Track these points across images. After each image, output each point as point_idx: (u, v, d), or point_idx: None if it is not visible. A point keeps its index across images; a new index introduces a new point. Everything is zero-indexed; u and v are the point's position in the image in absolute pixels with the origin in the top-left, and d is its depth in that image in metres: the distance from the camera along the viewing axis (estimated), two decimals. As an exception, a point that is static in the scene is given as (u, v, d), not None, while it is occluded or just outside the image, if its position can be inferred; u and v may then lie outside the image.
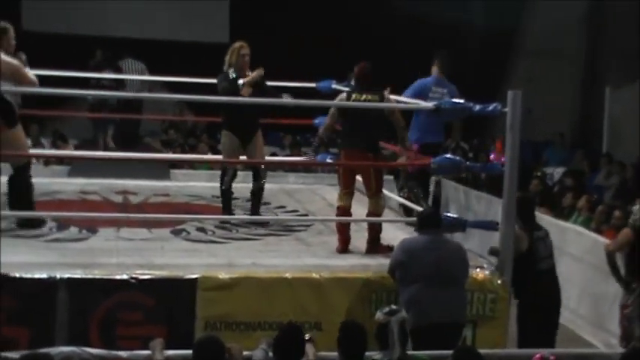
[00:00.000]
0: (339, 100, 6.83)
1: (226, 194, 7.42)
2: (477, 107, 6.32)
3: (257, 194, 7.46)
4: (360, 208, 7.89)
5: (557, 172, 12.53)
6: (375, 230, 6.63)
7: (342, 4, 15.41)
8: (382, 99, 6.71)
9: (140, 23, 15.13)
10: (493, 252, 6.30)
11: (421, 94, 7.75)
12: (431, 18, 15.57)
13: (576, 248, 8.66)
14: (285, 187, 9.27)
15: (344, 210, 6.71)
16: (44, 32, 14.35)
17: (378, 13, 15.54)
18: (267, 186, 7.99)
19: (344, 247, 6.62)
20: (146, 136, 13.53)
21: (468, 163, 6.85)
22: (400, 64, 14.72)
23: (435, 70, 8.12)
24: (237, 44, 7.31)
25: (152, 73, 11.61)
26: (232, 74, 7.18)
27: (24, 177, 6.74)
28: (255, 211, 7.43)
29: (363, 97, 6.72)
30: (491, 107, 6.28)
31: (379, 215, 6.76)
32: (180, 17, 15.38)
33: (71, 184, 8.86)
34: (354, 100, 6.68)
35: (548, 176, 12.56)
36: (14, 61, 6.42)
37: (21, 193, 6.69)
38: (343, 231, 6.65)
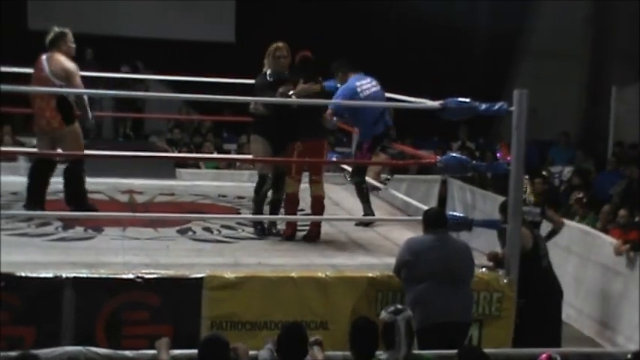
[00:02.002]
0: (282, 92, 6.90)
1: (260, 203, 7.02)
2: (483, 106, 6.30)
3: (275, 205, 7.08)
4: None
5: (567, 171, 12.49)
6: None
7: (349, 4, 15.40)
8: (323, 88, 7.06)
9: (147, 22, 15.16)
10: (493, 258, 6.28)
11: (353, 97, 7.46)
12: (437, 19, 15.56)
13: (582, 247, 8.65)
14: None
15: (294, 196, 6.92)
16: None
17: (384, 14, 15.55)
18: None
19: (293, 233, 6.90)
20: (152, 135, 13.55)
21: (474, 162, 6.83)
22: (406, 64, 14.77)
23: (341, 76, 7.85)
24: (272, 46, 7.03)
25: (158, 72, 11.62)
26: (269, 77, 6.94)
27: (78, 170, 7.13)
28: (270, 223, 7.04)
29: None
30: (497, 106, 6.27)
31: (323, 198, 7.02)
32: (187, 16, 15.39)
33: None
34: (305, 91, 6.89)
35: (556, 175, 12.54)
36: (69, 65, 6.90)
37: (75, 185, 7.11)
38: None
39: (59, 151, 7.02)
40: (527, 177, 7.30)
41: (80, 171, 7.16)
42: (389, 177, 8.93)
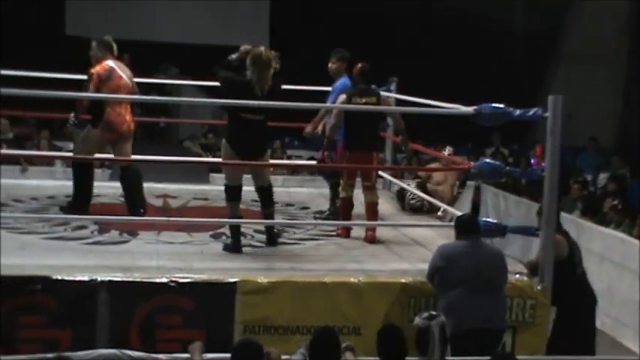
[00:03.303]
0: (341, 102, 7.26)
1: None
2: (518, 112, 6.27)
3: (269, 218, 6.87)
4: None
5: (603, 177, 12.38)
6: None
7: (385, 9, 15.38)
8: (379, 100, 7.28)
9: (181, 28, 15.26)
10: (531, 267, 6.25)
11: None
12: (472, 23, 15.50)
13: (618, 255, 8.57)
14: (324, 191, 9.26)
15: (349, 200, 7.22)
16: (87, 37, 14.53)
17: (418, 17, 15.52)
18: (306, 190, 8.04)
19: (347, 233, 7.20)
20: (186, 140, 13.63)
21: (507, 168, 6.80)
22: (440, 69, 14.73)
23: (339, 67, 7.92)
24: (259, 50, 6.64)
25: (191, 77, 11.71)
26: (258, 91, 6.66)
27: (133, 171, 7.43)
28: (272, 240, 6.83)
29: (364, 100, 7.21)
30: (531, 112, 6.23)
31: (377, 204, 7.32)
32: (221, 21, 15.47)
33: (112, 188, 8.93)
34: (354, 103, 7.19)
35: (590, 182, 12.43)
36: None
37: (133, 184, 7.44)
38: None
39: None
40: None
41: (135, 170, 7.53)
42: (460, 190, 9.00)
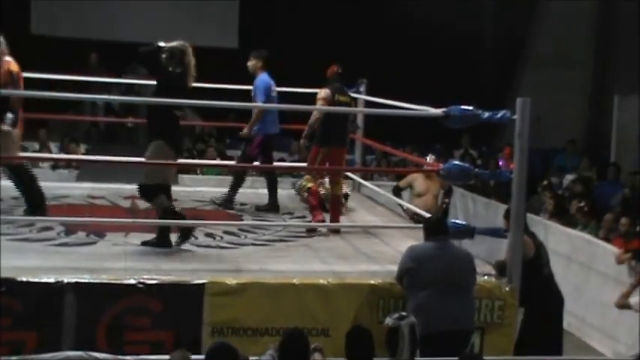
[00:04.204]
0: (325, 96, 7.53)
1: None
2: (486, 114, 6.30)
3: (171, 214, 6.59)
4: (368, 215, 7.91)
5: (567, 178, 12.48)
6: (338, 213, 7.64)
7: (352, 10, 15.41)
8: (352, 100, 7.87)
9: (149, 28, 15.14)
10: (498, 267, 6.28)
11: (271, 94, 8.05)
12: (441, 26, 15.57)
13: (585, 256, 8.65)
14: (291, 192, 9.26)
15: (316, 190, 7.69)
16: (53, 36, 14.41)
17: (387, 20, 15.55)
18: (279, 192, 8.14)
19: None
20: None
21: (476, 170, 6.83)
22: (409, 72, 14.78)
23: (261, 66, 8.11)
24: (184, 44, 6.57)
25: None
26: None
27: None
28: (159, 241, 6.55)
29: (343, 98, 7.68)
30: (500, 114, 6.26)
31: (341, 196, 7.78)
32: (190, 22, 15.39)
33: (79, 189, 8.87)
34: (337, 101, 7.56)
35: (557, 185, 12.52)
36: None
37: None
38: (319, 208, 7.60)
39: None
40: None
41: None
42: (446, 200, 8.99)
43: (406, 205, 8.42)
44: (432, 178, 8.87)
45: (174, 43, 6.50)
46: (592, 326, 8.31)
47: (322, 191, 7.91)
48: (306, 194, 7.89)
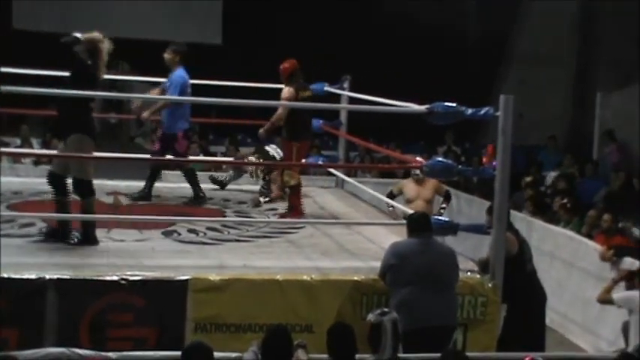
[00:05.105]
0: (290, 96, 7.64)
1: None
2: (470, 111, 6.32)
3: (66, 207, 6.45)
4: (352, 211, 7.91)
5: (551, 175, 12.54)
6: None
7: (336, 7, 15.40)
8: (312, 94, 8.00)
9: (133, 23, 15.12)
10: (481, 264, 6.29)
11: (187, 90, 8.06)
12: (424, 24, 15.59)
13: (567, 253, 8.68)
14: (254, 187, 9.21)
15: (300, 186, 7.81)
16: (34, 31, 14.32)
17: (370, 17, 15.55)
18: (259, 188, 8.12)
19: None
20: (137, 137, 13.52)
21: (460, 166, 6.84)
22: (393, 68, 14.79)
23: (178, 61, 8.11)
24: (98, 36, 6.44)
25: (144, 73, 11.59)
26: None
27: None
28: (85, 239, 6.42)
29: (307, 93, 7.84)
30: (483, 111, 6.28)
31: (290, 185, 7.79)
32: (174, 18, 15.36)
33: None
34: (301, 97, 7.68)
35: (545, 180, 12.58)
36: None
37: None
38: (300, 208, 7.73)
39: None
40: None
41: None
42: (444, 205, 8.96)
43: (392, 203, 8.40)
44: (424, 184, 8.83)
45: (90, 35, 6.37)
46: (574, 322, 8.35)
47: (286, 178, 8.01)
48: (288, 190, 7.87)
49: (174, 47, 8.16)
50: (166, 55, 8.12)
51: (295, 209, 7.70)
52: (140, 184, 8.43)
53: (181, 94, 7.98)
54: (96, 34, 6.40)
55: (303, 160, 8.15)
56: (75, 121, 6.29)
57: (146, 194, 8.22)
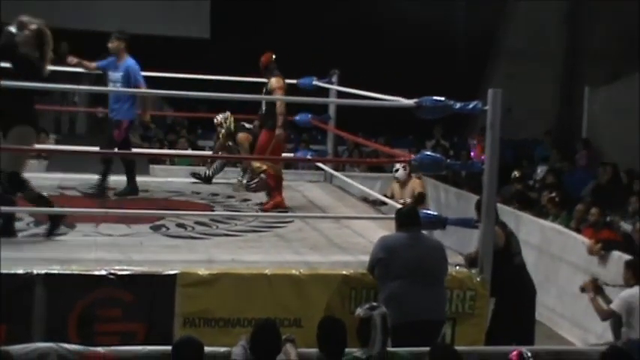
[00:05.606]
0: (282, 84, 7.74)
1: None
2: (458, 105, 6.32)
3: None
4: (341, 206, 7.89)
5: (541, 170, 12.57)
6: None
7: (326, 2, 15.38)
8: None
9: (122, 17, 15.03)
10: (469, 260, 6.30)
11: (139, 78, 8.02)
12: (413, 18, 15.59)
13: (556, 247, 8.71)
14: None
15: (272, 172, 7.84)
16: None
17: (359, 12, 15.53)
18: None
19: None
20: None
21: (448, 160, 6.85)
22: (381, 63, 14.79)
23: (124, 48, 8.05)
24: (43, 26, 6.32)
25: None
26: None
27: None
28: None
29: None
30: (471, 105, 6.28)
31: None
32: (162, 12, 15.30)
33: (49, 179, 8.79)
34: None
35: (535, 174, 12.62)
36: None
37: None
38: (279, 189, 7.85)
39: None
40: None
41: None
42: (408, 200, 8.95)
43: (375, 194, 8.42)
44: (405, 186, 8.92)
45: (33, 25, 6.22)
46: (562, 316, 8.38)
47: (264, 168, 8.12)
48: (264, 176, 7.90)
49: (117, 35, 8.04)
50: (111, 44, 8.01)
51: (273, 194, 7.78)
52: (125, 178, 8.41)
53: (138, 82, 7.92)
54: (40, 25, 6.23)
55: (293, 155, 8.17)
56: (21, 113, 6.16)
57: (102, 188, 8.10)
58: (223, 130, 9.01)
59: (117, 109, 8.05)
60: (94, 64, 8.18)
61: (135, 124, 8.27)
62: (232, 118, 9.03)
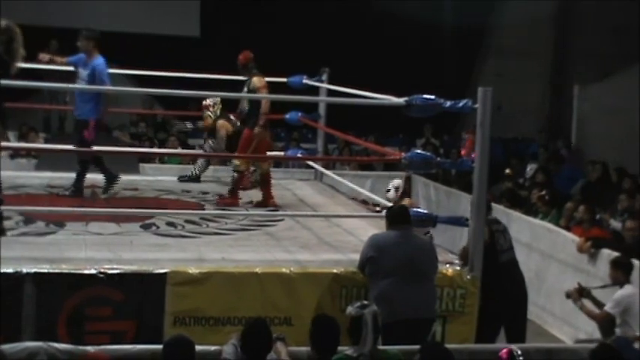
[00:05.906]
0: (265, 84, 7.76)
1: None
2: (448, 103, 6.32)
3: None
4: (331, 204, 7.91)
5: (530, 168, 12.61)
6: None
7: (315, 0, 15.38)
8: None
9: (111, 16, 15.00)
10: (463, 257, 6.29)
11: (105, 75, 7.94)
12: (401, 16, 15.59)
13: (545, 245, 8.73)
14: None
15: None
16: (15, 23, 14.17)
17: (347, 10, 15.53)
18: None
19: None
20: (115, 130, 13.44)
21: (438, 159, 6.85)
22: (371, 61, 14.79)
23: (94, 47, 7.97)
24: (13, 25, 6.27)
25: (122, 66, 11.53)
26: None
27: None
28: None
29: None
30: (461, 104, 6.29)
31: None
32: (152, 10, 15.27)
33: (38, 178, 8.77)
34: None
35: (525, 172, 12.65)
36: None
37: None
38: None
39: None
40: None
41: None
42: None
43: (366, 193, 8.43)
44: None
45: (5, 23, 6.18)
46: (552, 314, 8.40)
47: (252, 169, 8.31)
48: (236, 174, 7.99)
49: (86, 33, 7.95)
50: (80, 43, 7.93)
51: (233, 195, 7.95)
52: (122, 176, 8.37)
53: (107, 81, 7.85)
54: (7, 23, 6.16)
55: (283, 153, 8.17)
56: None
57: (78, 188, 7.98)
58: (210, 114, 8.98)
59: (81, 108, 7.92)
60: (64, 59, 8.10)
61: (102, 123, 8.13)
62: (221, 105, 9.02)
